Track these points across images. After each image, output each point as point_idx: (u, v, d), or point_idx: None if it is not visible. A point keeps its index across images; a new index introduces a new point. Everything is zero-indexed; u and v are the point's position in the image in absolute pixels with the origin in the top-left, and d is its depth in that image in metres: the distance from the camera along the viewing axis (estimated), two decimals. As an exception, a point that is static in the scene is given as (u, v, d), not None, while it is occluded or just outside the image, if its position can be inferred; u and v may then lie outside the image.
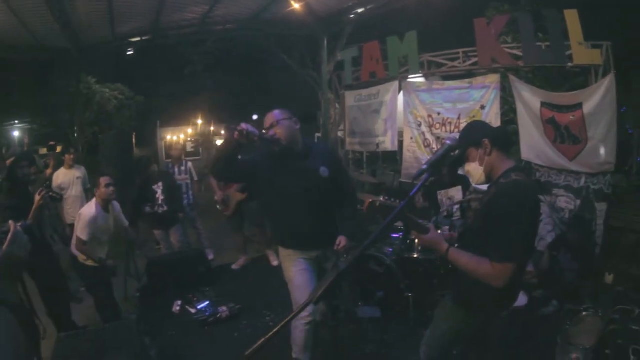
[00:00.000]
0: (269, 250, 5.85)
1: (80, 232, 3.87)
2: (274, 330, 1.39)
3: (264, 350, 1.36)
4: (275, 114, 3.05)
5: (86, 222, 3.86)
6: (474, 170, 2.23)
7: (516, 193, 2.03)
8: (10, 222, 1.35)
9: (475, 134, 2.22)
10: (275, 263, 5.67)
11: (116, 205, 4.28)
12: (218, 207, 5.75)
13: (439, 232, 3.25)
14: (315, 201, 3.02)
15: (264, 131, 2.91)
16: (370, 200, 2.16)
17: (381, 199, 2.17)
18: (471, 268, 2.08)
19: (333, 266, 1.48)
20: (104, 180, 3.99)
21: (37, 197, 3.57)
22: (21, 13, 6.22)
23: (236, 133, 2.68)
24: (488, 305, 2.22)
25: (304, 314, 2.89)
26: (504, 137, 2.28)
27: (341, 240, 3.09)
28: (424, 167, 1.89)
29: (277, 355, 3.27)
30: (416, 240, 2.32)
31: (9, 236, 1.31)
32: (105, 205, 4.06)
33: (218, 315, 4.38)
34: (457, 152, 2.18)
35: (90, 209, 3.97)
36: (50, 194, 3.78)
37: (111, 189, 4.00)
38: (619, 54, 5.03)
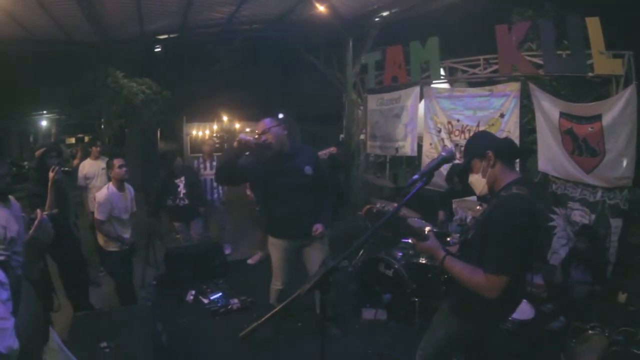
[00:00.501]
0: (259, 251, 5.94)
1: (97, 212, 4.13)
2: (267, 315, 1.55)
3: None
4: (266, 122, 3.52)
5: (101, 202, 4.12)
6: (477, 181, 2.27)
7: (514, 207, 2.05)
8: (38, 210, 1.52)
9: (479, 145, 2.25)
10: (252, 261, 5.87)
11: (130, 189, 4.48)
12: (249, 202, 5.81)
13: (449, 239, 3.30)
14: (301, 196, 3.57)
15: (256, 136, 3.39)
16: (368, 206, 2.25)
17: (378, 205, 2.25)
18: (465, 277, 2.12)
19: (322, 263, 1.58)
20: (117, 162, 4.23)
21: (50, 174, 3.79)
22: (52, 10, 6.50)
23: (236, 142, 3.21)
24: (483, 316, 2.25)
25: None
26: (509, 149, 2.27)
27: (317, 227, 3.63)
28: (416, 176, 1.95)
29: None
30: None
31: (36, 222, 1.46)
32: (119, 186, 4.28)
33: (229, 307, 4.54)
34: (451, 162, 2.23)
35: (104, 190, 4.22)
36: (63, 169, 3.99)
37: (124, 169, 4.23)
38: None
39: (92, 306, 4.33)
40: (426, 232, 2.32)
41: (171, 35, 8.67)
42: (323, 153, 5.11)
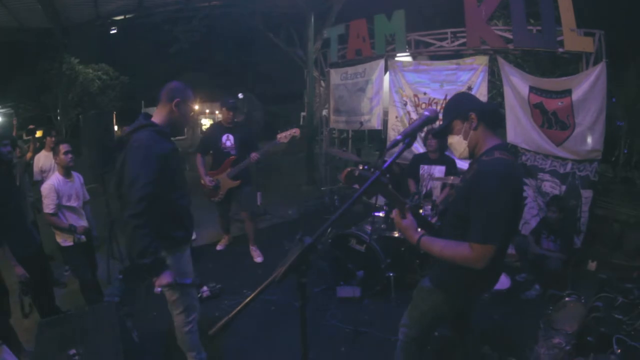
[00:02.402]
0: (252, 246, 5.63)
1: (45, 206, 3.81)
2: (237, 309, 1.38)
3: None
4: None
5: (45, 194, 3.81)
6: (457, 143, 2.16)
7: (499, 171, 1.93)
8: None
9: (462, 106, 2.14)
10: (258, 259, 5.45)
11: (79, 176, 4.20)
12: (204, 191, 5.40)
13: (421, 211, 3.21)
14: None
15: None
16: (349, 169, 2.10)
17: (360, 167, 2.11)
18: (448, 255, 2.02)
19: (298, 240, 1.41)
20: (63, 147, 3.91)
21: None
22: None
23: None
24: (467, 289, 2.19)
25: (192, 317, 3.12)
26: (493, 113, 2.20)
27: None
28: (399, 137, 1.79)
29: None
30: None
31: None
32: (66, 173, 3.99)
33: (199, 295, 4.33)
34: (438, 123, 2.11)
35: (47, 182, 3.92)
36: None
37: (69, 156, 3.93)
38: (612, 44, 5.00)
39: (58, 309, 4.05)
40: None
41: (127, 16, 8.23)
42: (283, 135, 4.90)
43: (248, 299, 1.39)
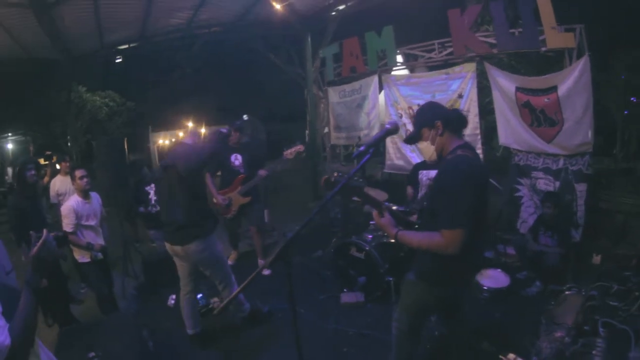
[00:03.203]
0: (260, 260, 5.80)
1: (65, 225, 4.10)
2: (235, 293, 1.61)
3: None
4: None
5: (65, 213, 4.10)
6: (426, 148, 2.42)
7: (456, 165, 2.20)
8: (45, 230, 1.61)
9: (429, 115, 2.39)
10: (266, 272, 5.47)
11: (96, 196, 4.48)
12: (216, 209, 5.59)
13: (414, 216, 3.41)
14: None
15: None
16: (326, 177, 2.33)
17: (335, 174, 2.34)
18: (423, 244, 2.25)
19: (282, 235, 1.65)
20: (78, 173, 4.22)
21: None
22: (11, 28, 6.40)
23: None
24: (445, 277, 2.36)
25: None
26: (457, 119, 2.42)
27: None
28: (362, 148, 2.04)
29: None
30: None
31: (40, 241, 1.56)
32: (84, 195, 4.28)
33: (210, 306, 4.54)
34: (396, 133, 2.33)
35: (68, 203, 4.20)
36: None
37: (85, 180, 4.23)
38: (600, 37, 5.10)
39: (76, 320, 4.31)
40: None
41: (131, 45, 8.57)
42: (289, 152, 5.12)
43: (244, 283, 1.62)
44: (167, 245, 3.75)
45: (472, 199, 2.14)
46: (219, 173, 5.66)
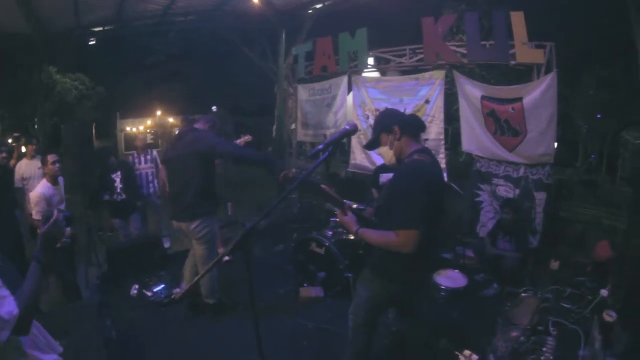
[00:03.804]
0: (221, 247, 5.83)
1: (35, 212, 4.06)
2: (197, 278, 1.67)
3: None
4: None
5: (36, 201, 4.07)
6: (385, 152, 2.54)
7: (412, 169, 2.33)
8: (55, 210, 1.71)
9: (387, 121, 2.51)
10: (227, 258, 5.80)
11: (61, 179, 4.47)
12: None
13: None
14: None
15: None
16: (284, 172, 2.42)
17: (293, 170, 2.42)
18: (380, 241, 2.38)
19: (240, 225, 1.72)
20: (51, 157, 4.22)
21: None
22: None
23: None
24: (399, 274, 2.47)
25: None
26: (414, 124, 2.54)
27: None
28: (320, 147, 2.14)
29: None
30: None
31: (51, 220, 1.65)
32: (53, 181, 4.27)
33: (172, 297, 4.55)
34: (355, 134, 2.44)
35: (37, 189, 4.17)
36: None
37: (57, 165, 4.24)
38: (570, 55, 5.32)
39: (39, 309, 4.24)
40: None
41: (106, 27, 8.39)
42: (239, 142, 5.19)
43: (204, 272, 1.68)
44: (174, 223, 4.06)
45: (425, 202, 2.25)
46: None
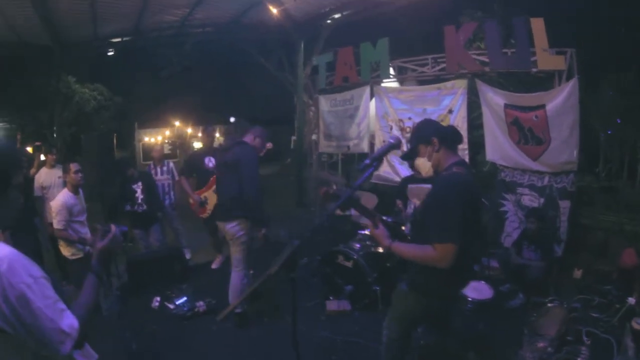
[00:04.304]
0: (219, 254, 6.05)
1: (56, 222, 4.04)
2: (240, 299, 1.61)
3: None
4: None
5: (57, 210, 4.04)
6: (422, 164, 2.49)
7: (450, 182, 2.29)
8: (112, 225, 1.72)
9: (425, 132, 2.46)
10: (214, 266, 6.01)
11: (80, 190, 4.41)
12: (194, 210, 5.82)
13: (404, 227, 3.50)
14: None
15: None
16: (325, 188, 2.38)
17: (334, 187, 2.38)
18: (416, 255, 2.33)
19: (288, 243, 1.66)
20: (73, 167, 4.19)
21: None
22: (3, 8, 6.24)
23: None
24: (437, 289, 2.42)
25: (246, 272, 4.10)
26: (452, 136, 2.49)
27: None
28: (367, 161, 2.10)
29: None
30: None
31: (109, 235, 1.66)
32: (75, 190, 4.24)
33: (195, 310, 4.50)
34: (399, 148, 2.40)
35: (59, 198, 4.14)
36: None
37: (79, 175, 4.20)
38: (590, 61, 5.26)
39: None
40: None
41: (124, 39, 8.47)
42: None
43: (248, 291, 1.63)
44: (218, 224, 4.34)
45: (463, 215, 2.21)
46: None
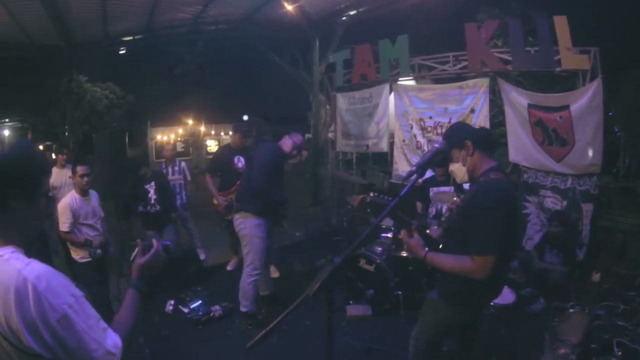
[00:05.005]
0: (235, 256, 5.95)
1: (61, 224, 3.95)
2: (273, 323, 1.49)
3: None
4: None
5: (61, 212, 3.95)
6: (457, 169, 2.38)
7: (492, 190, 2.17)
8: (154, 240, 1.62)
9: (458, 136, 2.35)
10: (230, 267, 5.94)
11: (94, 194, 4.31)
12: (219, 211, 5.65)
13: (428, 231, 3.40)
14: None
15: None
16: (362, 196, 2.29)
17: (371, 194, 2.27)
18: (451, 267, 2.23)
19: (327, 260, 1.54)
20: (80, 169, 4.03)
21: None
22: (14, 9, 6.17)
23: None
24: (471, 299, 2.33)
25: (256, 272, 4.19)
26: (486, 139, 2.40)
27: None
28: (413, 168, 1.99)
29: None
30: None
31: (152, 251, 1.58)
32: (82, 192, 4.11)
33: (211, 314, 4.42)
34: (448, 154, 2.29)
35: (64, 200, 4.04)
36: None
37: (85, 179, 4.04)
38: (609, 60, 5.13)
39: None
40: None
41: (136, 37, 8.39)
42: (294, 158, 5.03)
43: (282, 315, 1.52)
44: None
45: (503, 225, 2.11)
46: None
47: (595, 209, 5.17)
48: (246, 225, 4.10)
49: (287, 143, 4.30)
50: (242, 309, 4.17)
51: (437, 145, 2.14)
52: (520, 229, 5.69)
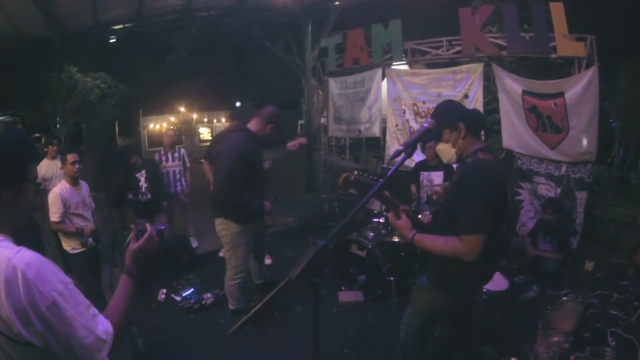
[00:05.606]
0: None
1: (51, 214, 3.88)
2: (253, 309, 1.45)
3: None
4: None
5: (52, 202, 3.87)
6: (446, 150, 2.36)
7: (479, 170, 2.13)
8: (147, 224, 1.60)
9: (450, 116, 2.28)
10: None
11: (85, 186, 4.24)
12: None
13: (420, 216, 3.36)
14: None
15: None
16: (345, 174, 2.22)
17: (355, 173, 2.22)
18: (439, 248, 2.16)
19: (311, 243, 1.50)
20: (71, 157, 3.95)
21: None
22: (2, 2, 6.09)
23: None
24: (461, 284, 2.29)
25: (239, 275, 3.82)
26: (478, 121, 2.36)
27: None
28: (400, 147, 1.91)
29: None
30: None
31: (145, 235, 1.55)
32: (73, 182, 4.04)
33: (203, 302, 4.38)
34: (437, 133, 2.23)
35: (54, 190, 3.96)
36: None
37: (77, 166, 3.97)
38: (605, 48, 5.10)
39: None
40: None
41: (126, 25, 8.28)
42: (292, 144, 4.95)
43: (264, 300, 1.48)
44: None
45: (490, 204, 2.07)
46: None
47: (589, 198, 5.18)
48: (228, 232, 3.81)
49: (253, 122, 3.78)
50: (231, 307, 4.01)
51: (426, 124, 2.07)
52: (513, 213, 5.69)
